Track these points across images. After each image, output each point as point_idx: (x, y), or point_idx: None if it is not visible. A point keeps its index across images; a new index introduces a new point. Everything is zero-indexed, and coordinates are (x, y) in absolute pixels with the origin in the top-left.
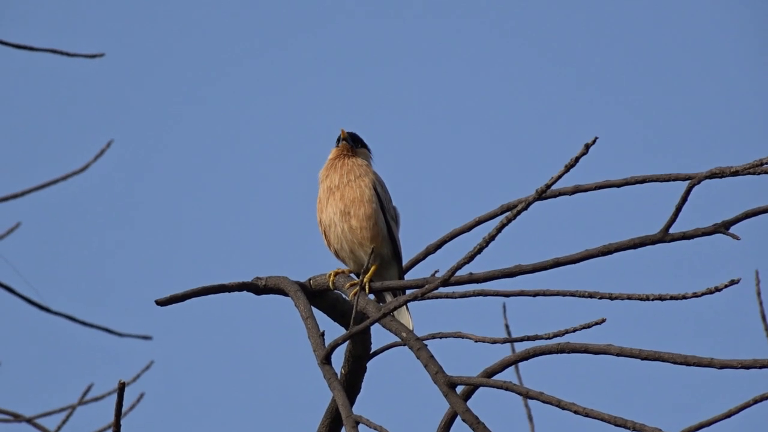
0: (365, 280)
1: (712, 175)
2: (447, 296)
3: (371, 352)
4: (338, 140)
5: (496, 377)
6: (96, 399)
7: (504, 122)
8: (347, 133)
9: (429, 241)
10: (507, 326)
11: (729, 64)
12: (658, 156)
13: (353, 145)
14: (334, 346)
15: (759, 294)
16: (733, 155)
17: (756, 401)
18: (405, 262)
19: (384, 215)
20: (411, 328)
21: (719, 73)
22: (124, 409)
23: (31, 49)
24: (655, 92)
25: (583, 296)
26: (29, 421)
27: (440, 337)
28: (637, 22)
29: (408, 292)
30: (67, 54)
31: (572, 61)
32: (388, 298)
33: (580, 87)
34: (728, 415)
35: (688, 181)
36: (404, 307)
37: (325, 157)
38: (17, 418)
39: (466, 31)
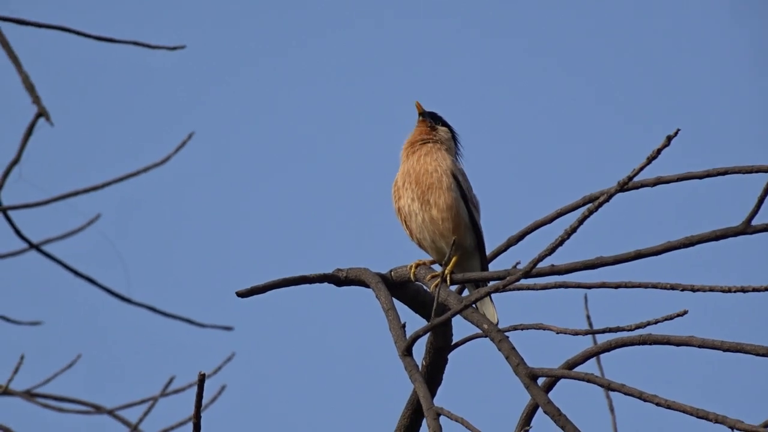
0: (446, 271)
1: None
2: (528, 288)
3: (452, 343)
4: (429, 118)
5: (578, 369)
6: (177, 391)
7: (586, 114)
8: (425, 110)
9: (511, 233)
10: (588, 318)
11: None
12: (741, 148)
13: (432, 121)
14: (416, 337)
15: None
16: None
17: None
18: (487, 252)
19: (466, 204)
20: (496, 320)
21: None
22: (204, 401)
23: (114, 41)
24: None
25: (665, 288)
26: (110, 413)
27: (521, 329)
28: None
29: (490, 283)
30: (149, 46)
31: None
32: (470, 289)
33: (658, 82)
34: None
35: None
36: (488, 298)
37: (405, 137)
38: (99, 410)
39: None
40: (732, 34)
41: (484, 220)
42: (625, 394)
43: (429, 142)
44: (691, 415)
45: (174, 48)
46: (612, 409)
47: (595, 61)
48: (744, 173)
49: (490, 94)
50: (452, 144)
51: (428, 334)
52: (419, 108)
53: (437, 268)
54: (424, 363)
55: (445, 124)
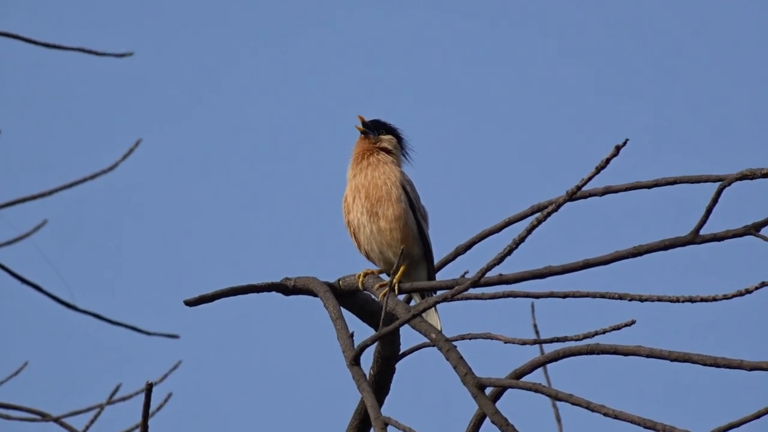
0: (395, 281)
1: (742, 177)
2: (477, 297)
3: (400, 353)
4: (368, 129)
5: (526, 378)
6: (124, 399)
7: (535, 123)
8: (367, 121)
9: (459, 242)
10: (536, 327)
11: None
12: (689, 157)
13: (374, 133)
14: (363, 347)
15: None
16: (764, 156)
17: None
18: (435, 262)
19: (414, 214)
20: (440, 329)
21: (750, 73)
22: (151, 409)
23: (61, 47)
24: (685, 92)
25: (613, 298)
26: (57, 420)
27: (469, 338)
28: (660, 20)
29: (438, 293)
30: (97, 53)
31: (602, 62)
32: (418, 299)
33: (611, 88)
34: (757, 416)
35: (718, 183)
36: (433, 308)
37: (351, 150)
38: (45, 417)
39: (500, 29)
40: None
41: (432, 228)
42: (573, 404)
43: (374, 155)
44: (639, 425)
45: (121, 55)
46: (559, 419)
47: (546, 68)
48: (692, 183)
49: (442, 100)
50: (398, 151)
51: (376, 344)
52: (362, 120)
53: (385, 277)
54: (371, 372)
55: (389, 130)
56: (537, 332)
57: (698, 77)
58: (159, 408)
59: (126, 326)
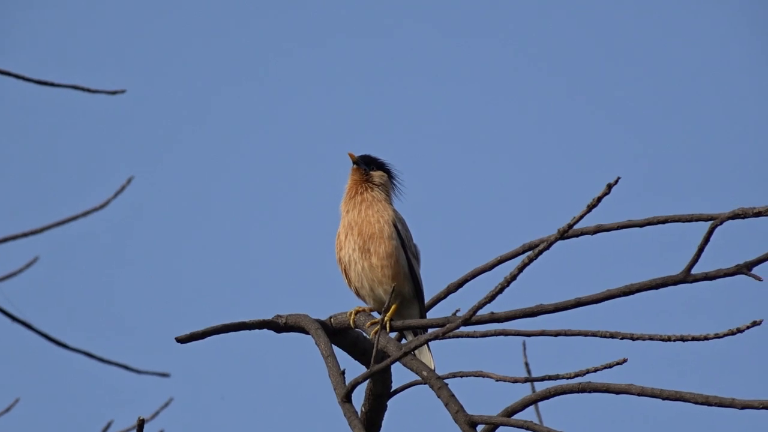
0: (386, 318)
1: (734, 216)
2: (468, 335)
3: (392, 390)
4: (360, 163)
5: (517, 416)
6: None
7: (526, 161)
8: (357, 156)
9: (450, 280)
10: (527, 365)
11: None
12: (681, 196)
13: (366, 168)
14: (355, 384)
15: None
16: (755, 196)
17: None
18: (426, 300)
19: (405, 252)
20: (432, 367)
21: (744, 113)
22: None
23: (53, 85)
24: (677, 132)
25: (605, 336)
26: None
27: (461, 376)
28: (659, 56)
29: (429, 330)
30: (89, 90)
31: (597, 99)
32: (409, 336)
33: (604, 126)
34: None
35: (710, 222)
36: (425, 346)
37: (344, 185)
38: None
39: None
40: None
41: (423, 266)
42: None
43: (367, 192)
44: None
45: (114, 92)
46: None
47: (541, 105)
48: (684, 222)
49: (431, 138)
50: (389, 187)
51: (367, 381)
52: (352, 158)
53: (377, 315)
54: (363, 409)
55: (380, 166)
56: (528, 370)
57: (692, 116)
58: None
59: (117, 364)
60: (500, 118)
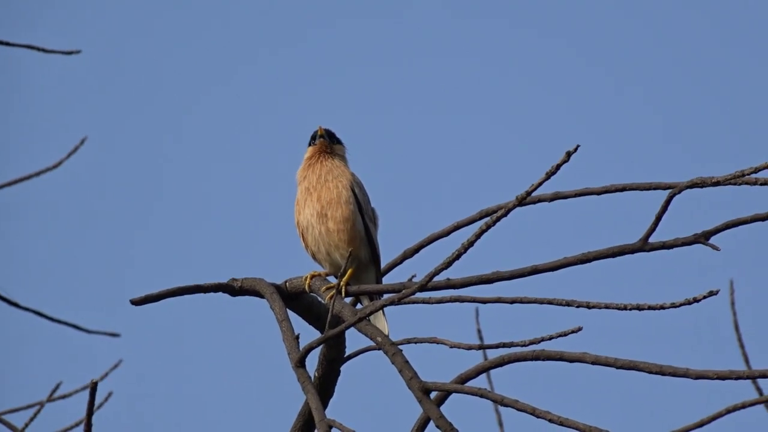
0: (342, 283)
1: (693, 185)
2: (424, 301)
3: (346, 355)
4: (313, 137)
5: (470, 383)
6: (65, 396)
7: (484, 128)
8: (324, 129)
9: (407, 245)
10: (480, 332)
11: (714, 72)
12: (640, 165)
13: (330, 141)
14: (309, 349)
15: (733, 305)
16: (715, 165)
17: (729, 411)
18: (383, 265)
19: (362, 217)
20: (387, 333)
21: (703, 81)
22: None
23: (8, 44)
24: (636, 100)
25: (561, 304)
26: None
27: (415, 342)
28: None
29: (385, 296)
30: (44, 50)
31: (554, 67)
32: (365, 301)
33: (562, 93)
34: (700, 425)
35: (668, 191)
36: (380, 311)
37: (302, 156)
38: None
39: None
40: (716, 41)
41: (381, 231)
42: (519, 409)
43: (327, 159)
44: None
45: (69, 52)
46: (501, 424)
47: (499, 73)
48: (642, 190)
49: (390, 103)
50: (347, 159)
51: (321, 346)
52: (320, 131)
53: (333, 280)
54: (316, 374)
55: (339, 141)
56: (481, 337)
57: (654, 85)
58: (99, 407)
59: (66, 323)
60: (462, 82)
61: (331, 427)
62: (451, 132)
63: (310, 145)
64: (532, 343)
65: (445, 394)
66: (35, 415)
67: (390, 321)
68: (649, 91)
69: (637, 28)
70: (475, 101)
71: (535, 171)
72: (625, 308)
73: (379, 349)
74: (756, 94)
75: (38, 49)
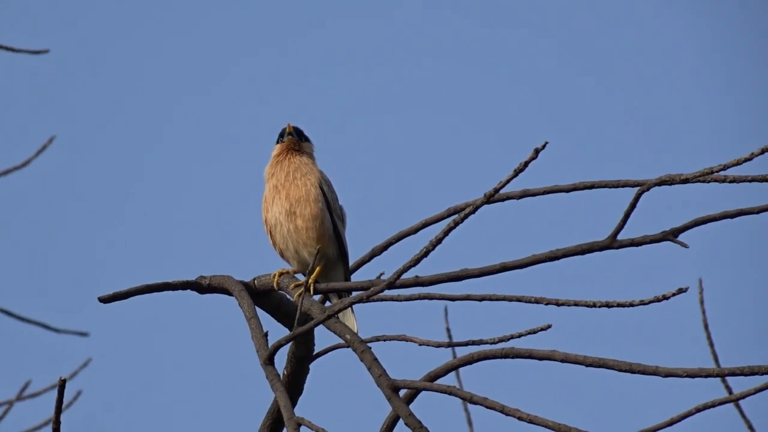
0: (310, 281)
1: (661, 182)
2: (392, 299)
3: (315, 353)
4: (282, 135)
5: (439, 381)
6: (33, 395)
7: (453, 125)
8: (293, 127)
9: (375, 242)
10: (448, 330)
11: (683, 70)
12: (609, 162)
13: (299, 139)
14: (278, 346)
15: (702, 303)
16: (683, 163)
17: (698, 410)
18: (351, 263)
19: (330, 215)
20: (355, 331)
21: (672, 79)
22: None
23: None
24: (605, 98)
25: (530, 302)
26: None
27: (384, 340)
28: (589, 27)
29: (353, 293)
30: (12, 49)
31: (525, 66)
32: (333, 299)
33: (532, 92)
34: (670, 424)
35: (637, 188)
36: (349, 309)
37: (269, 153)
38: None
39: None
40: (685, 38)
41: (348, 229)
42: (488, 407)
43: (295, 156)
44: (554, 429)
45: (37, 52)
46: (470, 423)
47: (467, 71)
48: (611, 188)
49: (360, 103)
50: (314, 156)
51: (290, 344)
52: (289, 128)
53: (301, 277)
54: (285, 372)
55: (307, 138)
56: (449, 335)
57: (623, 82)
58: (68, 405)
59: (35, 323)
60: (429, 83)
61: (300, 425)
62: (419, 130)
63: (278, 142)
64: (501, 340)
65: (414, 392)
66: (4, 413)
67: (359, 319)
68: (618, 88)
69: (604, 26)
70: (444, 100)
71: (503, 168)
72: (594, 306)
73: (348, 347)
74: (725, 92)
75: (6, 48)
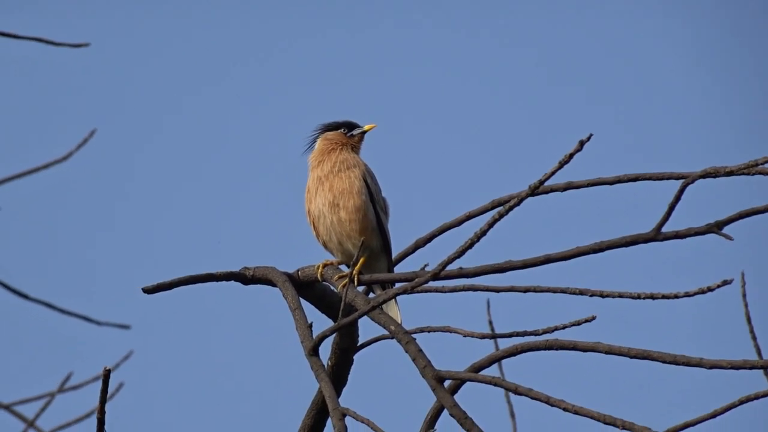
0: (354, 272)
1: (706, 175)
2: (436, 290)
3: (358, 344)
4: (350, 127)
5: (483, 372)
6: (75, 387)
7: (498, 118)
8: (344, 121)
9: (419, 235)
10: (491, 322)
11: (727, 62)
12: (653, 154)
13: (349, 132)
14: (322, 338)
15: (744, 296)
16: (728, 155)
17: (742, 402)
18: (394, 254)
19: (374, 207)
20: (399, 322)
21: (716, 71)
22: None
23: (16, 36)
24: (651, 90)
25: (574, 293)
26: (7, 408)
27: (429, 331)
28: (629, 19)
29: (397, 285)
30: (53, 43)
31: (567, 59)
32: (377, 290)
33: (576, 83)
34: (713, 416)
35: (681, 180)
36: (393, 300)
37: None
38: None
39: (462, 31)
40: (729, 32)
41: (393, 220)
42: (533, 398)
43: (342, 149)
44: (599, 421)
45: (77, 45)
46: (513, 414)
47: (509, 62)
48: (655, 180)
49: (402, 93)
50: (360, 148)
51: (334, 335)
52: (369, 128)
53: (345, 269)
54: (329, 363)
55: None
56: (491, 327)
57: (666, 74)
58: (111, 397)
59: (76, 315)
60: (474, 75)
61: (344, 415)
62: (463, 122)
63: (340, 129)
64: (545, 332)
65: (459, 383)
66: (46, 405)
67: (402, 310)
68: (664, 82)
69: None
70: (491, 91)
71: (548, 160)
72: (638, 297)
73: (392, 338)
74: None
75: (47, 41)
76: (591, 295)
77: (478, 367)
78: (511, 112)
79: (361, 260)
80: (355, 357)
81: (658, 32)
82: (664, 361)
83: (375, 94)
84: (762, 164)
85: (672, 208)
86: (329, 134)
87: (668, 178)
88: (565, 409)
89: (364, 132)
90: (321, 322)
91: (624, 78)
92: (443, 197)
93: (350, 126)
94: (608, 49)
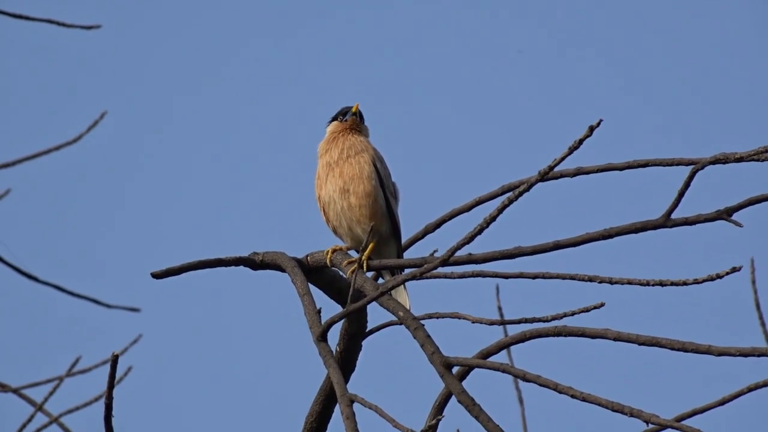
0: (363, 257)
1: (715, 161)
2: (445, 276)
3: (367, 330)
4: (343, 114)
5: (492, 359)
6: (84, 371)
7: (508, 103)
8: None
9: (428, 220)
10: (500, 308)
11: (736, 49)
12: (663, 140)
13: (360, 120)
14: (331, 323)
15: (754, 282)
16: (738, 141)
17: (750, 389)
18: (404, 240)
19: (383, 192)
20: (408, 307)
21: (725, 57)
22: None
23: (28, 18)
24: (660, 76)
25: (583, 280)
26: (15, 391)
27: (437, 317)
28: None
29: (406, 271)
30: (64, 25)
31: (577, 44)
32: (386, 276)
33: (585, 69)
34: (722, 403)
35: (691, 166)
36: (402, 286)
37: (322, 130)
38: (3, 388)
39: (471, 14)
40: (742, 19)
41: (402, 205)
42: (541, 385)
43: (351, 135)
44: (607, 408)
45: (89, 27)
46: (521, 400)
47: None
48: (664, 166)
49: (411, 79)
50: (363, 129)
51: (343, 320)
52: (356, 108)
53: (354, 254)
54: (338, 349)
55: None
56: (501, 313)
57: (676, 60)
58: (119, 381)
59: (85, 298)
60: (483, 60)
61: (352, 401)
62: (473, 107)
63: (335, 119)
64: (554, 318)
65: (467, 369)
66: (54, 389)
67: (411, 296)
68: (674, 68)
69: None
70: (500, 77)
71: (557, 146)
72: (647, 284)
73: (400, 324)
74: None
75: (59, 23)
76: (600, 282)
77: (486, 354)
78: (523, 96)
79: (371, 246)
80: (364, 343)
81: (674, 15)
82: (672, 348)
83: (384, 77)
84: None
85: (681, 194)
86: (329, 127)
87: (678, 164)
88: (573, 396)
89: (354, 114)
90: (330, 308)
91: (638, 58)
92: (453, 182)
93: (344, 113)
94: (626, 36)
